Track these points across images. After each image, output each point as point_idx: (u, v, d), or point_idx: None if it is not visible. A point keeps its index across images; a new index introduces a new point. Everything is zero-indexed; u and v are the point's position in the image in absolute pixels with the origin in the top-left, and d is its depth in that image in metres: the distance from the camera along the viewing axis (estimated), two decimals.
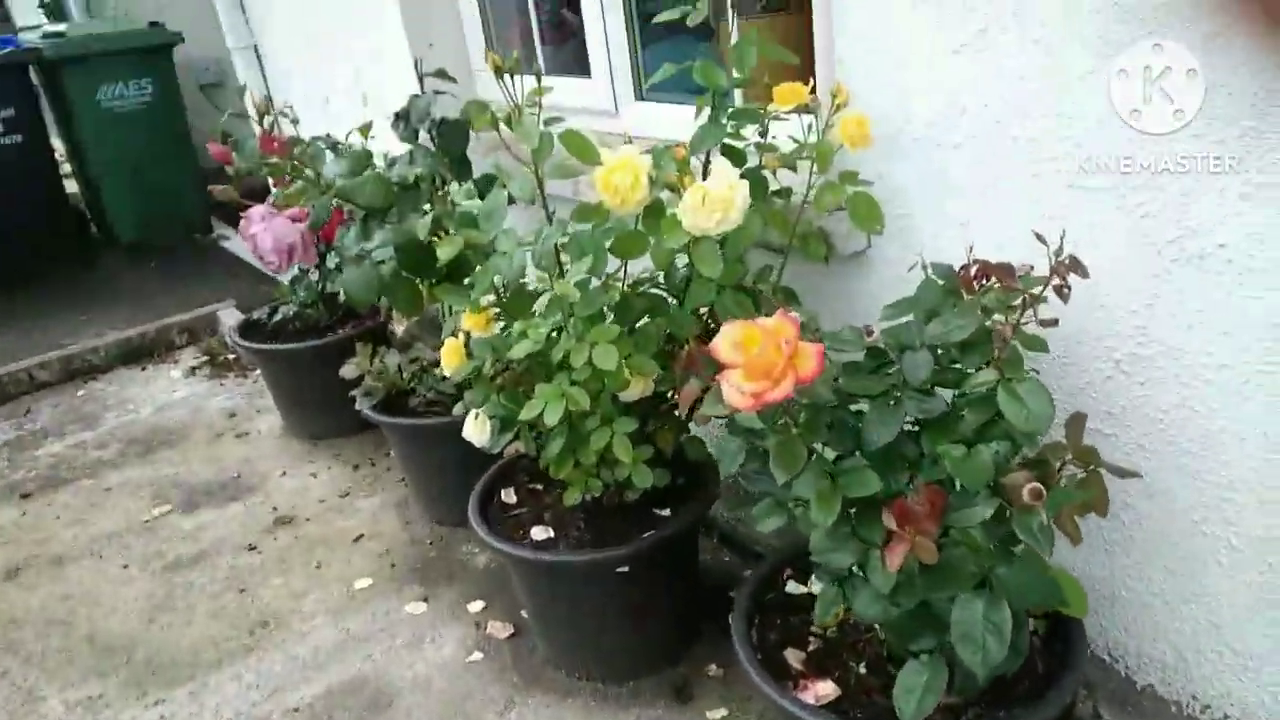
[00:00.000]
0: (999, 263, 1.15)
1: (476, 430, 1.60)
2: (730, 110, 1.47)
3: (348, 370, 2.44)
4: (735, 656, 1.42)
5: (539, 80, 1.48)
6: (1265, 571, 1.27)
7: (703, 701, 1.82)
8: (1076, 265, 1.06)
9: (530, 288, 1.56)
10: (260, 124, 2.24)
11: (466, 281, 1.57)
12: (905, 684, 1.10)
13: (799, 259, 1.57)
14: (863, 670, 1.37)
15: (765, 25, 1.94)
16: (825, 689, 1.36)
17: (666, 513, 1.83)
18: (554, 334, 1.43)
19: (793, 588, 1.58)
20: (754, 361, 1.05)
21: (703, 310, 1.55)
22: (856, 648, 1.42)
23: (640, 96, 2.21)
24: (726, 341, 1.10)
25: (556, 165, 1.38)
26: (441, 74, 2.14)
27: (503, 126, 1.42)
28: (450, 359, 1.66)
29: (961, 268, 1.33)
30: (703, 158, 1.53)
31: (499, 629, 2.09)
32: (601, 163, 1.33)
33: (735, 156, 1.53)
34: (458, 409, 1.88)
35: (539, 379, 1.57)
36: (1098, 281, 1.23)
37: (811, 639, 1.46)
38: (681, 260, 1.51)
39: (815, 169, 1.47)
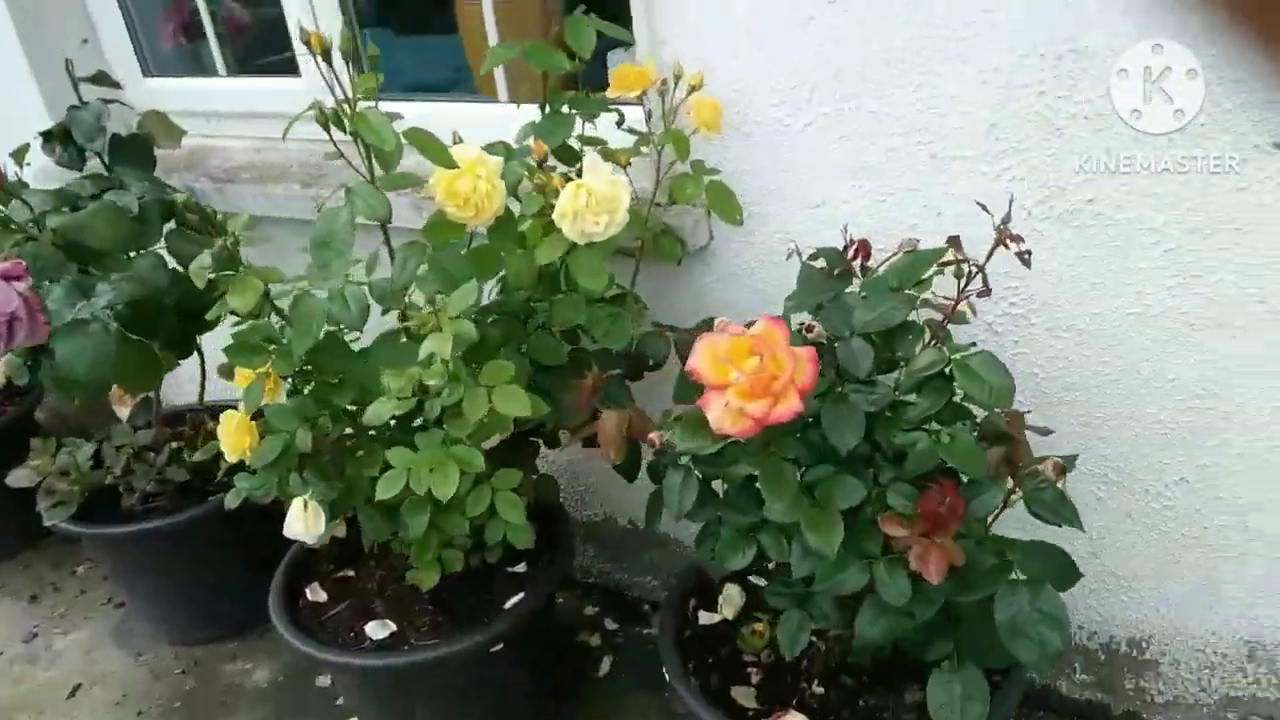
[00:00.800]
0: (951, 236, 1.10)
1: (308, 523, 1.25)
2: (570, 99, 1.28)
3: (20, 476, 1.85)
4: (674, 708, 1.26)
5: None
6: (1142, 497, 1.39)
7: None
8: (1016, 237, 1.04)
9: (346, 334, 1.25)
10: None
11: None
12: (939, 699, 1.02)
13: (647, 260, 1.43)
14: (818, 689, 1.28)
15: (504, 6, 1.76)
16: None
17: (522, 568, 1.60)
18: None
19: (705, 618, 1.44)
20: (755, 377, 0.90)
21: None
22: (799, 668, 1.33)
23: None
24: (708, 358, 0.93)
25: (393, 176, 1.09)
26: (103, 79, 1.67)
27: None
28: (236, 439, 1.28)
29: (845, 247, 1.28)
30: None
31: None
32: (454, 165, 1.08)
33: (568, 155, 1.34)
34: (230, 499, 1.48)
35: (380, 444, 1.27)
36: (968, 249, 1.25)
37: (750, 670, 1.34)
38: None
39: (662, 160, 1.33)
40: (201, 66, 2.11)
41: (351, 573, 1.65)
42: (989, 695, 1.04)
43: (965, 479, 1.06)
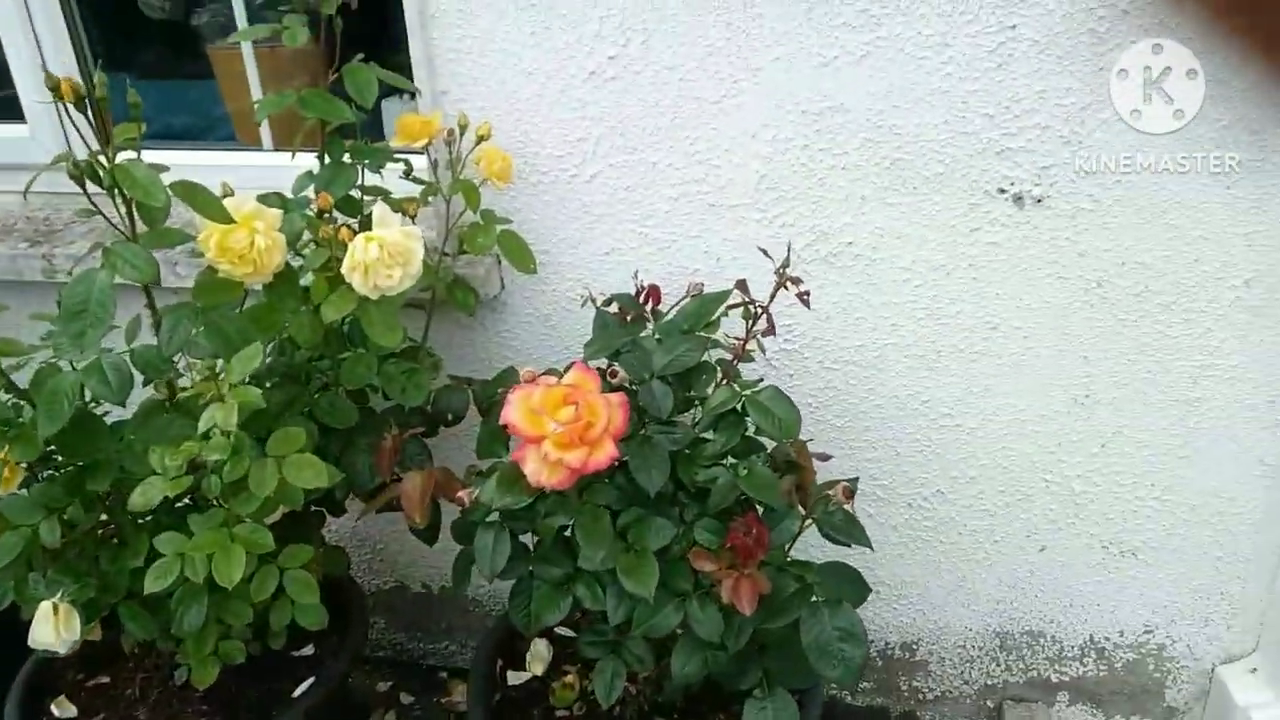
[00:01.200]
0: (739, 280, 1.16)
1: (60, 627, 1.07)
2: (351, 148, 1.22)
3: None
4: None
5: None
6: (906, 510, 1.52)
7: None
8: (796, 279, 1.12)
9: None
10: None
11: None
12: None
13: (437, 311, 1.40)
14: None
15: (266, 53, 1.68)
16: None
17: (309, 650, 1.48)
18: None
19: (514, 678, 1.40)
20: (572, 427, 0.90)
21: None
22: (612, 715, 1.33)
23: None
24: (521, 410, 0.92)
25: (157, 232, 0.98)
26: None
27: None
28: None
29: (637, 293, 1.32)
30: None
31: None
32: (230, 219, 1.00)
33: (350, 205, 1.29)
34: None
35: (144, 531, 1.13)
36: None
37: None
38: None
39: (451, 210, 1.31)
40: None
41: (106, 679, 1.45)
42: (798, 715, 1.08)
43: (762, 509, 1.11)
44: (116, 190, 0.93)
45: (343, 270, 1.08)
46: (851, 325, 1.40)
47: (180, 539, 1.07)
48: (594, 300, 1.33)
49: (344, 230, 1.09)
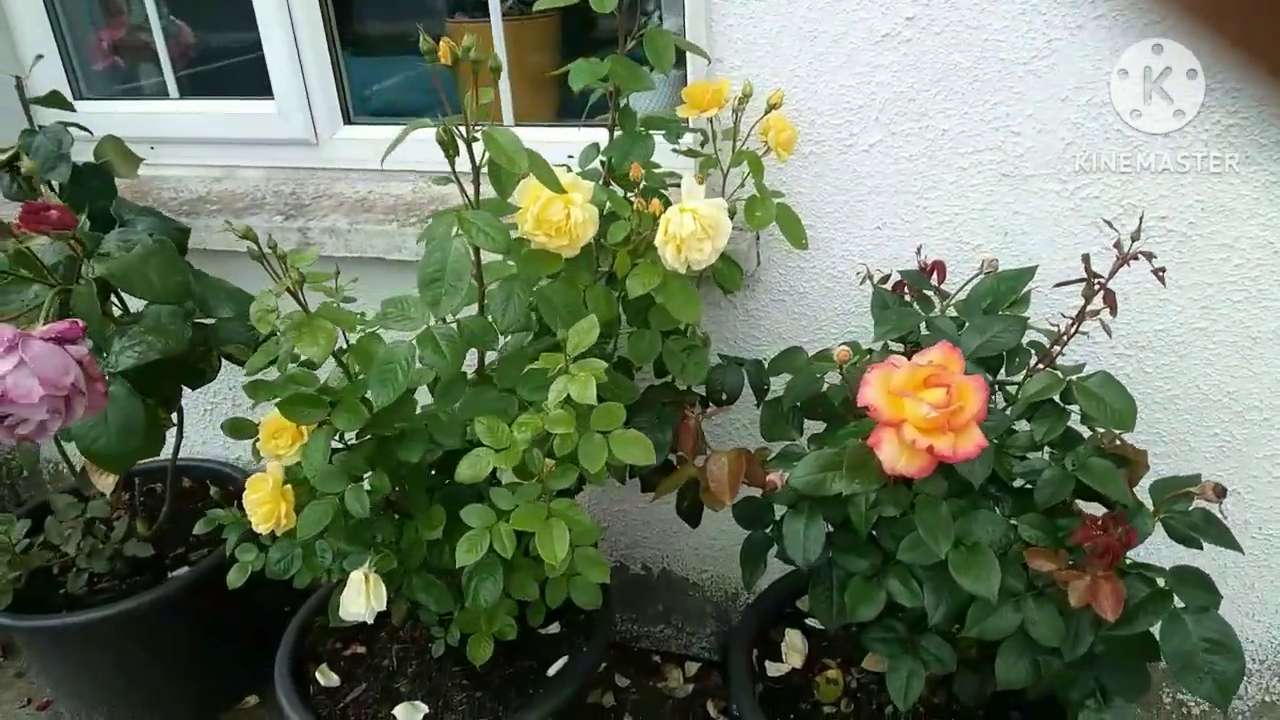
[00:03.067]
0: (1084, 254, 1.06)
1: (368, 597, 1.08)
2: (645, 119, 1.18)
3: None
4: None
5: None
6: None
7: None
8: (1149, 254, 1.02)
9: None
10: None
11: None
12: None
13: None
14: None
15: (516, 27, 1.66)
16: None
17: (555, 629, 1.46)
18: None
19: (773, 669, 1.35)
20: (943, 411, 0.83)
21: None
22: (883, 714, 1.26)
23: (350, 119, 1.74)
24: (880, 391, 0.86)
25: (496, 203, 0.96)
26: (56, 100, 1.46)
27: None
28: (268, 508, 1.11)
29: (921, 269, 1.24)
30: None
31: None
32: (563, 190, 0.97)
33: (620, 180, 1.25)
34: (234, 576, 1.30)
35: (439, 504, 1.12)
36: (1037, 261, 1.24)
37: None
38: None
39: (725, 184, 1.26)
40: (137, 89, 1.89)
41: (362, 649, 1.47)
42: None
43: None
44: (451, 157, 0.90)
45: (656, 243, 1.03)
46: (1154, 308, 1.28)
47: (488, 512, 1.05)
48: (871, 277, 1.26)
49: (655, 203, 1.05)
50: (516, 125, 1.59)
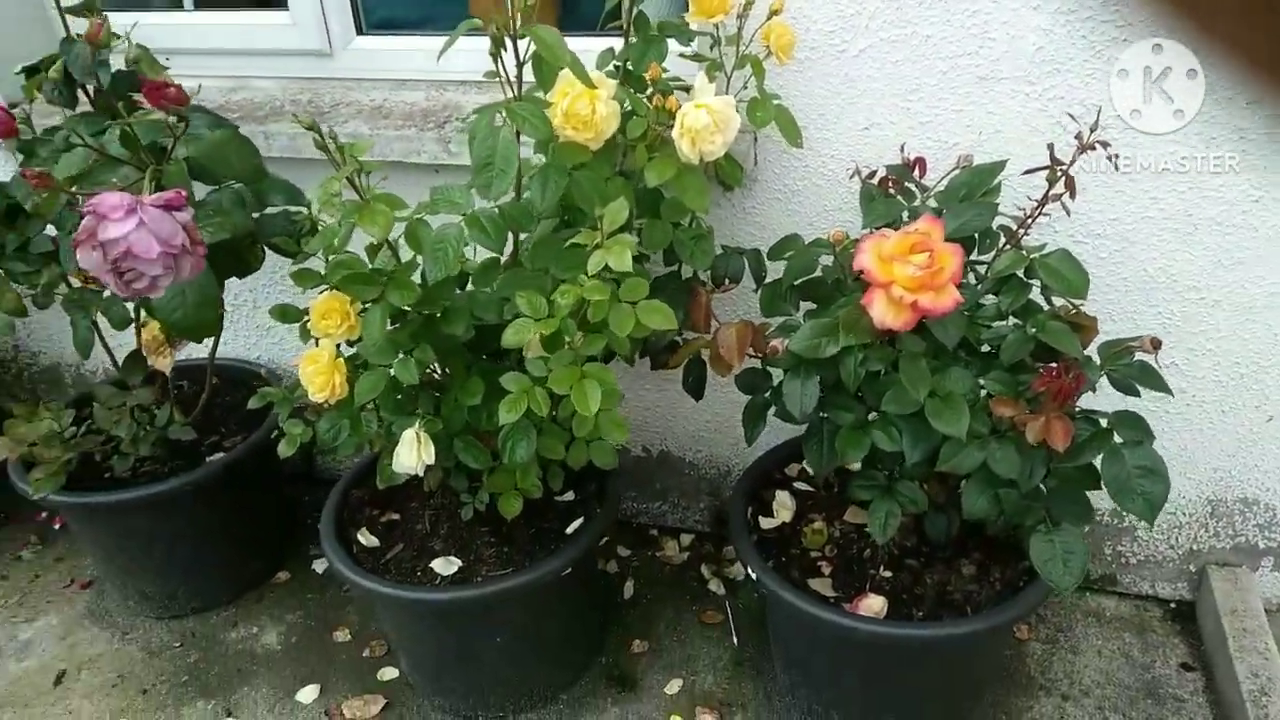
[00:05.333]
0: (1048, 144, 1.21)
1: (419, 452, 1.22)
2: (659, 24, 1.30)
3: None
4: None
5: None
6: None
7: (652, 679, 1.70)
8: (1105, 143, 1.16)
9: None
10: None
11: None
12: (1043, 556, 1.16)
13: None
14: (885, 574, 1.41)
15: None
16: (875, 604, 1.36)
17: (570, 496, 1.63)
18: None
19: (766, 523, 1.53)
20: (926, 271, 0.98)
21: None
22: (863, 557, 1.45)
23: (362, 30, 1.82)
24: (873, 256, 1.00)
25: (534, 99, 1.07)
26: (90, 8, 1.53)
27: None
28: (324, 378, 1.24)
29: (905, 165, 1.38)
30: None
31: (370, 706, 1.68)
32: (591, 83, 1.09)
33: (635, 81, 1.36)
34: (284, 447, 1.44)
35: (476, 373, 1.27)
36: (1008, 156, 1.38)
37: (820, 564, 1.45)
38: None
39: (729, 86, 1.38)
40: (145, 1, 1.94)
41: (396, 515, 1.63)
42: (1086, 548, 1.18)
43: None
44: (497, 56, 1.01)
45: (672, 135, 1.16)
46: (1109, 198, 1.44)
47: (524, 379, 1.20)
48: (860, 173, 1.40)
49: (672, 99, 1.17)
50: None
